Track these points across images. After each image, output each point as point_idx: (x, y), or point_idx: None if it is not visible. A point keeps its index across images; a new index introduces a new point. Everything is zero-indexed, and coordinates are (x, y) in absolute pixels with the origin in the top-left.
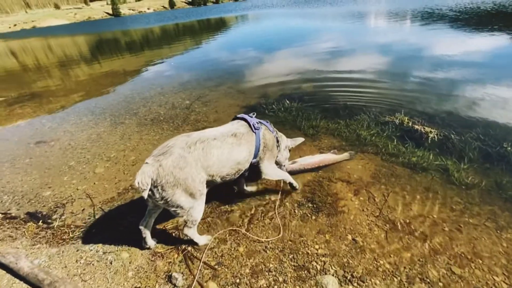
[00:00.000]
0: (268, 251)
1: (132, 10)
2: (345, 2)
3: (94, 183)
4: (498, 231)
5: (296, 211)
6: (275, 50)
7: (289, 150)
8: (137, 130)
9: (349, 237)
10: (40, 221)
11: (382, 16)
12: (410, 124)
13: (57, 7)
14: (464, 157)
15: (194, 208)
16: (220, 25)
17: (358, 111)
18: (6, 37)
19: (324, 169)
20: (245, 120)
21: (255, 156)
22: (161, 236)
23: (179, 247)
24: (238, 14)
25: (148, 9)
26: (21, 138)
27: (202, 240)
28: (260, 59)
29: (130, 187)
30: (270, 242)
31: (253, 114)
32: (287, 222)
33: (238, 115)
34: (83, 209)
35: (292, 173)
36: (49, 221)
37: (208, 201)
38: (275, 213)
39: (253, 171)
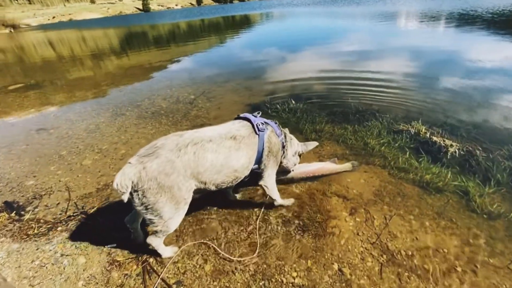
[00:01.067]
0: (237, 274)
1: (161, 6)
2: (373, 2)
3: (78, 176)
4: None
5: (279, 227)
6: (295, 48)
7: (299, 156)
8: (135, 122)
9: (335, 266)
10: (14, 212)
11: (411, 17)
12: (428, 134)
13: (92, 1)
14: (490, 179)
15: (174, 219)
16: (244, 23)
17: (370, 116)
18: (45, 28)
19: (320, 179)
20: (249, 120)
21: (257, 162)
22: (126, 241)
23: (140, 257)
24: (262, 12)
25: (176, 5)
26: (25, 124)
27: (166, 252)
28: (277, 57)
29: (111, 183)
30: (242, 262)
31: (258, 113)
32: (266, 239)
33: (241, 115)
34: (58, 203)
35: (283, 181)
36: (22, 212)
37: None
38: (255, 227)
39: (252, 177)
